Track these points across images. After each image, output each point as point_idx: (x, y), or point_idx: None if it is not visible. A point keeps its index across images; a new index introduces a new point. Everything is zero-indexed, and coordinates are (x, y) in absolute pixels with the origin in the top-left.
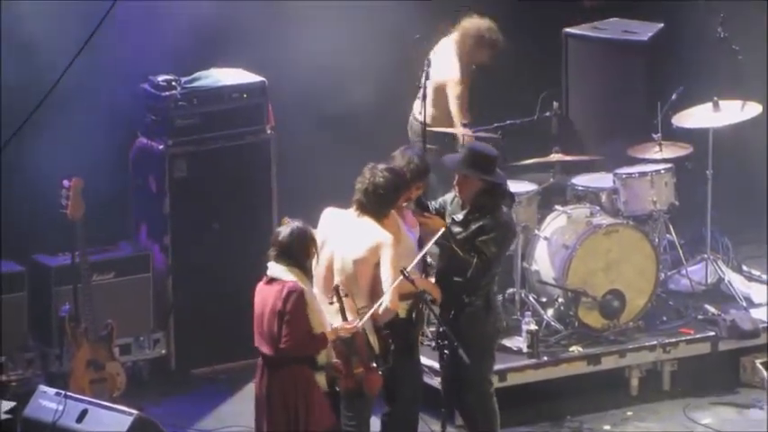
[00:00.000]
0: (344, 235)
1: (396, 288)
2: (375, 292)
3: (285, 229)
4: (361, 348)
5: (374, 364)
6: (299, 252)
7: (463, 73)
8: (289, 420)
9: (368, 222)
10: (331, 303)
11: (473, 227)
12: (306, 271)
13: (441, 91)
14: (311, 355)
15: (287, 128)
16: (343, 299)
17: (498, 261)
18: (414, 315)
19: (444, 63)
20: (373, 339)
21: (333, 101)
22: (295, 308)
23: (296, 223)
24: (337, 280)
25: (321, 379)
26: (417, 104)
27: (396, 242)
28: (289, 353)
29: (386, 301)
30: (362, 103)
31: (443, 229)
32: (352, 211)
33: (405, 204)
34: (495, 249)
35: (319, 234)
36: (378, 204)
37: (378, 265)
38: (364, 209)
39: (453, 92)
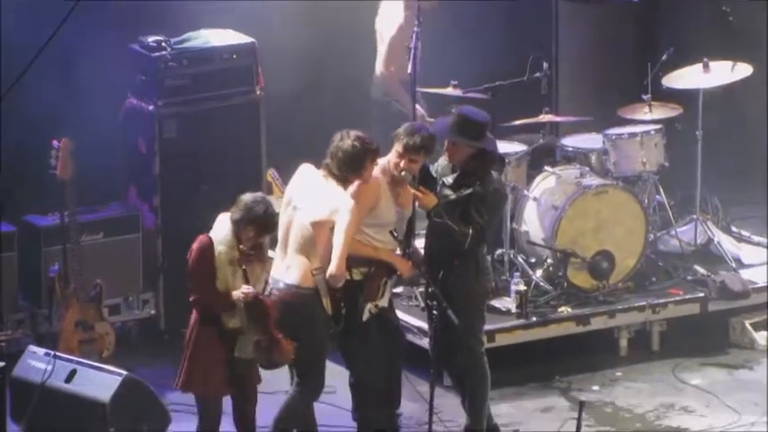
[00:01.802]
0: (308, 196)
1: (343, 253)
2: (329, 255)
3: (248, 195)
4: (262, 316)
5: (279, 334)
6: (240, 219)
7: (406, 20)
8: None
9: (332, 186)
10: (242, 267)
11: (463, 192)
12: (238, 236)
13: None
14: (214, 315)
15: (277, 89)
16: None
17: (491, 227)
18: (363, 285)
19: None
20: (326, 302)
21: (324, 62)
22: (195, 261)
23: (262, 197)
24: (295, 238)
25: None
26: (378, 64)
27: (357, 210)
28: (196, 308)
29: (332, 266)
30: (354, 64)
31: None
32: (320, 173)
33: (403, 174)
34: (488, 217)
35: (288, 190)
36: (342, 170)
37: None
38: (330, 173)
39: (389, 35)
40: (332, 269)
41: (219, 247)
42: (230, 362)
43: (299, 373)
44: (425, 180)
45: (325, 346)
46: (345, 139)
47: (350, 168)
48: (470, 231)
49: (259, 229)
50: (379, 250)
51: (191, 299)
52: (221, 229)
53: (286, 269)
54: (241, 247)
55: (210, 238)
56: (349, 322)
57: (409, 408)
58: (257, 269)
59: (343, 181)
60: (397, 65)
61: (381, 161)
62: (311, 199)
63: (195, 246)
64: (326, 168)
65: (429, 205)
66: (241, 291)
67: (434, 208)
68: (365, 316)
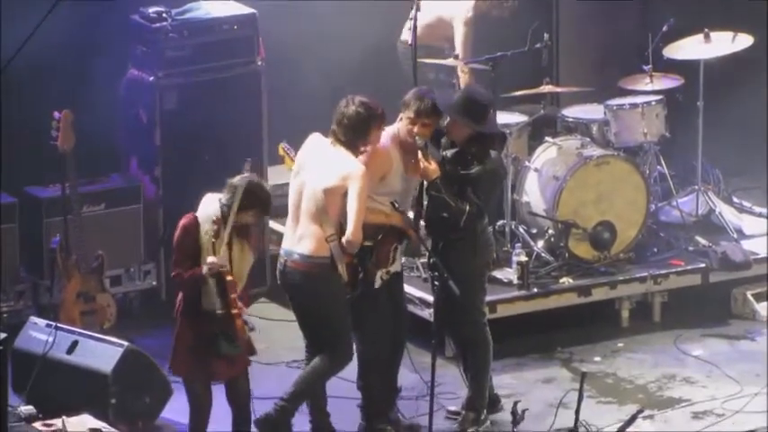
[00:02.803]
0: (318, 163)
1: (359, 219)
2: (342, 222)
3: (241, 179)
4: (223, 290)
5: (235, 309)
6: (242, 204)
7: (475, 16)
8: None
9: (341, 153)
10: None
11: (461, 171)
12: (224, 215)
13: (443, 24)
14: (194, 292)
15: (277, 59)
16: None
17: (488, 206)
18: (374, 251)
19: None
20: (341, 268)
21: (324, 32)
22: (179, 239)
23: (257, 178)
24: (307, 207)
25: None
26: (405, 31)
27: (368, 175)
28: (175, 284)
29: (348, 232)
30: (355, 34)
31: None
32: (328, 141)
33: (417, 140)
34: (485, 197)
35: (298, 159)
36: (348, 136)
37: (346, 194)
38: (338, 139)
39: (461, 31)
40: (348, 235)
41: (206, 226)
42: (209, 346)
43: (327, 345)
44: (437, 146)
45: (348, 313)
46: (350, 105)
47: (356, 134)
48: (467, 208)
49: (261, 211)
50: (390, 215)
51: (172, 274)
52: (207, 209)
53: (298, 240)
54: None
55: (196, 217)
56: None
57: (410, 379)
58: (246, 249)
59: (351, 147)
60: None
61: (390, 129)
62: (321, 166)
63: (180, 223)
64: (333, 135)
65: (431, 176)
66: (206, 263)
67: (433, 181)
68: (377, 283)
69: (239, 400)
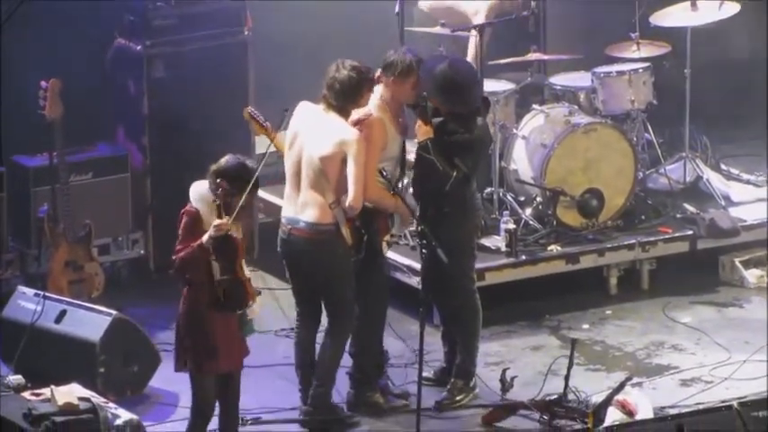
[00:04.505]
0: (312, 131)
1: (359, 184)
2: (343, 187)
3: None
4: (231, 254)
5: (248, 275)
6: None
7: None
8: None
9: (334, 118)
10: (214, 202)
11: (446, 138)
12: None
13: (455, 12)
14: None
15: (265, 29)
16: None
17: (475, 173)
18: (373, 219)
19: None
20: (345, 231)
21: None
22: (182, 228)
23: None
24: (306, 175)
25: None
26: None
27: (367, 143)
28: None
29: (350, 197)
30: (344, 3)
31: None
32: (320, 107)
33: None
34: (472, 164)
35: (291, 128)
36: (340, 101)
37: (344, 160)
38: (329, 105)
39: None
40: (350, 200)
41: (203, 209)
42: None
43: (334, 313)
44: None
45: (352, 278)
46: (342, 70)
47: (347, 99)
48: (453, 174)
49: (252, 191)
50: (398, 202)
51: (175, 257)
52: (202, 194)
53: (302, 207)
54: (215, 200)
55: (196, 209)
56: (365, 254)
57: (399, 347)
58: (240, 229)
59: (343, 111)
60: None
61: (374, 95)
62: (316, 134)
63: (184, 211)
64: (325, 100)
65: (424, 136)
66: (213, 225)
67: (423, 142)
68: (385, 250)
69: (231, 398)
